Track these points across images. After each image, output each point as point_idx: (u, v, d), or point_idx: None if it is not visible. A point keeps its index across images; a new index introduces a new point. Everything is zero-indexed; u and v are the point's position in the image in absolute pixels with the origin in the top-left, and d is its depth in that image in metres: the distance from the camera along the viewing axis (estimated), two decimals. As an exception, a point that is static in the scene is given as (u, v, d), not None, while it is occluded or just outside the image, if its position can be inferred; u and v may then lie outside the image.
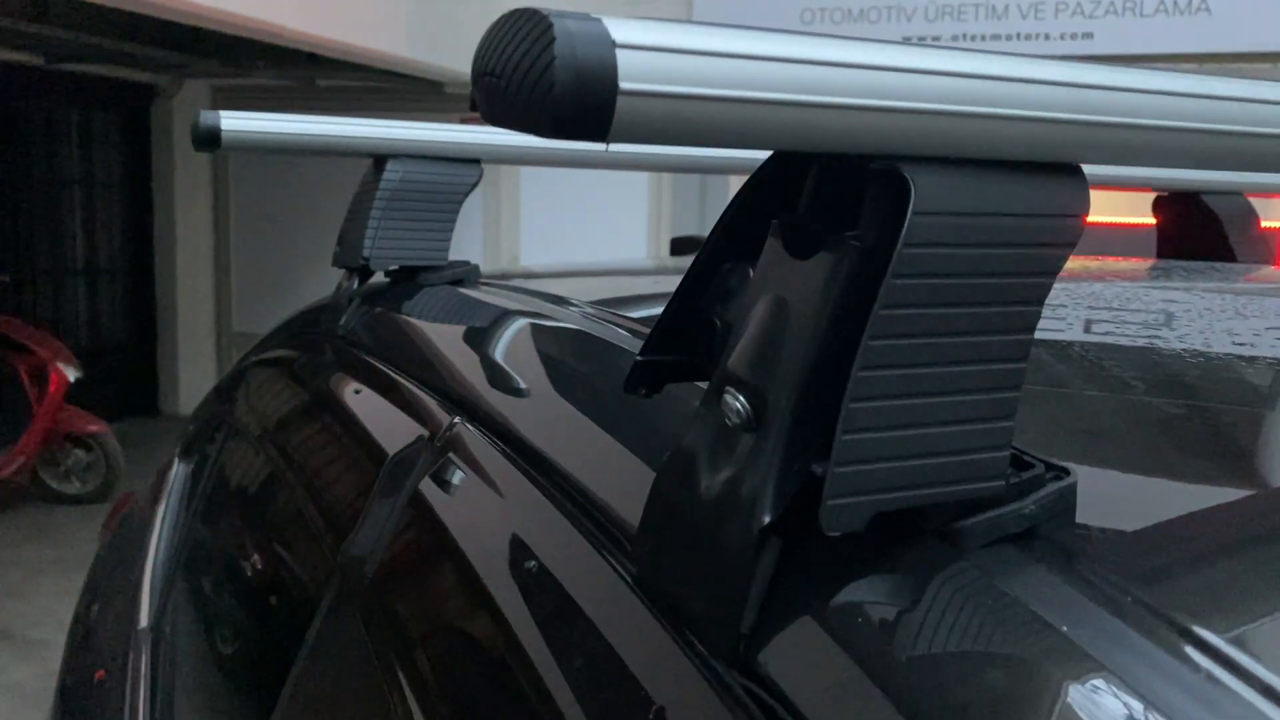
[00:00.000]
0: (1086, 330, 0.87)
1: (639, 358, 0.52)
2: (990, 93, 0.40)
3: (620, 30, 0.35)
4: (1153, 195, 1.78)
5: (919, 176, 0.40)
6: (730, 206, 0.50)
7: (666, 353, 0.53)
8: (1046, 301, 0.44)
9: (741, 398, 0.44)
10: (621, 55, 0.34)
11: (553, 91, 0.33)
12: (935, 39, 6.22)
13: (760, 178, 0.48)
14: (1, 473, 5.39)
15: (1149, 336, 0.82)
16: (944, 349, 0.41)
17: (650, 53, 0.35)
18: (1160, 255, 1.78)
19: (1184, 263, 1.43)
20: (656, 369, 0.53)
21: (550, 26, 0.34)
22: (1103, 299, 1.02)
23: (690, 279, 0.51)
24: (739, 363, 0.45)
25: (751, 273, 0.48)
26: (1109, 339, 0.82)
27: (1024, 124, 0.41)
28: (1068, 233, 0.43)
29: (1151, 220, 1.81)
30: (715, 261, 0.51)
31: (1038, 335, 0.44)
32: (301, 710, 0.81)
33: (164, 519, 1.62)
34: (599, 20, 0.35)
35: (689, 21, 0.37)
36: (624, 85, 0.34)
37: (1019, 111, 0.41)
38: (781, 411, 0.42)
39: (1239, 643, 0.37)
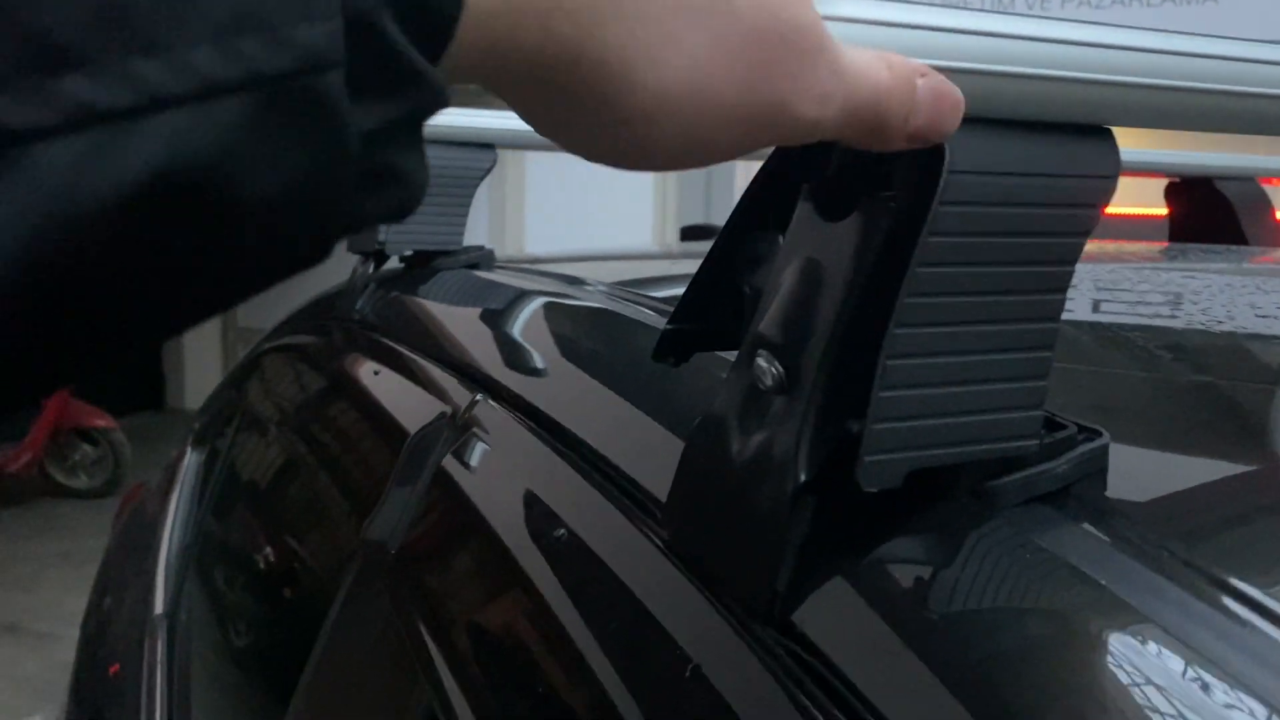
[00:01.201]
0: (1098, 310, 0.87)
1: (668, 326, 0.53)
2: (1024, 53, 0.40)
3: None
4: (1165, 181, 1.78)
5: (954, 136, 0.40)
6: (758, 175, 0.50)
7: (694, 322, 0.53)
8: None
9: (774, 360, 0.44)
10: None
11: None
12: (940, 31, 6.21)
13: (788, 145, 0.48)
14: (9, 467, 5.41)
15: (1176, 311, 0.82)
16: (978, 307, 0.41)
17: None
18: (1173, 241, 1.78)
19: (1200, 245, 1.43)
20: (684, 338, 0.54)
21: None
22: (1131, 279, 1.02)
23: (719, 247, 0.52)
24: (770, 326, 0.45)
25: (781, 240, 0.49)
26: (1135, 317, 0.82)
27: (1056, 84, 0.41)
28: (1099, 194, 0.44)
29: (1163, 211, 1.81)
30: (744, 230, 0.52)
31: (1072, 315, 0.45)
32: (327, 690, 0.81)
33: (177, 508, 1.63)
34: None
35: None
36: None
37: (1052, 72, 0.41)
38: (815, 372, 0.42)
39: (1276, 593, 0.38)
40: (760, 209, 0.51)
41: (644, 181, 6.22)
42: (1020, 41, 0.40)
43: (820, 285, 0.44)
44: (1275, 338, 0.73)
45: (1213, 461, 0.54)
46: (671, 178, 6.23)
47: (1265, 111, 0.47)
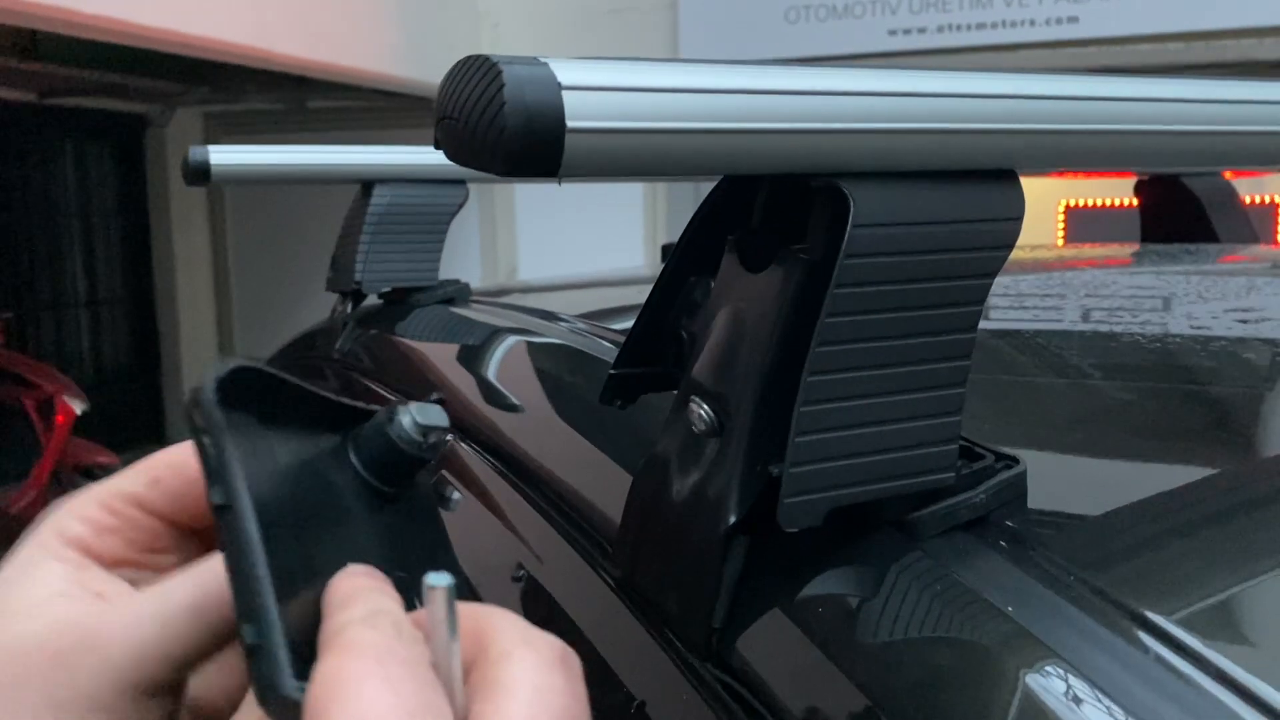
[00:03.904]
0: (1027, 320, 0.89)
1: (613, 371, 0.55)
2: (919, 109, 0.43)
3: (566, 72, 0.37)
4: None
5: (857, 191, 0.42)
6: (690, 224, 0.53)
7: (639, 365, 0.56)
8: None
9: (705, 405, 0.46)
10: (568, 96, 0.37)
11: (504, 134, 0.36)
12: (921, 31, 6.23)
13: (715, 197, 0.50)
14: (14, 507, 5.43)
15: (1106, 323, 0.85)
16: (889, 351, 0.44)
17: (595, 92, 0.37)
18: (1145, 238, 1.80)
19: (1161, 247, 1.45)
20: (631, 381, 0.56)
21: (500, 73, 0.36)
22: (1057, 287, 1.04)
23: (656, 294, 0.54)
24: (702, 372, 0.48)
25: (713, 286, 0.51)
26: (1061, 327, 0.84)
27: (954, 136, 0.44)
28: (1004, 236, 0.46)
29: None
30: (679, 276, 0.54)
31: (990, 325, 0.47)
32: None
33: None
34: (546, 64, 0.38)
35: (631, 59, 0.40)
36: (571, 124, 0.37)
37: (948, 125, 0.43)
38: (742, 417, 0.45)
39: (1181, 622, 0.40)
40: (695, 256, 0.53)
41: (634, 202, 6.25)
42: (915, 99, 0.43)
43: (744, 334, 0.46)
44: (1205, 348, 0.75)
45: (1134, 476, 0.57)
46: (661, 198, 6.26)
47: (1163, 147, 0.49)
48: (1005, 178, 0.46)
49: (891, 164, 0.43)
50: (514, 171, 0.37)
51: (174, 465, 0.40)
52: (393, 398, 0.98)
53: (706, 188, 0.48)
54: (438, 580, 0.31)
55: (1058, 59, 6.05)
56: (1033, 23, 6.14)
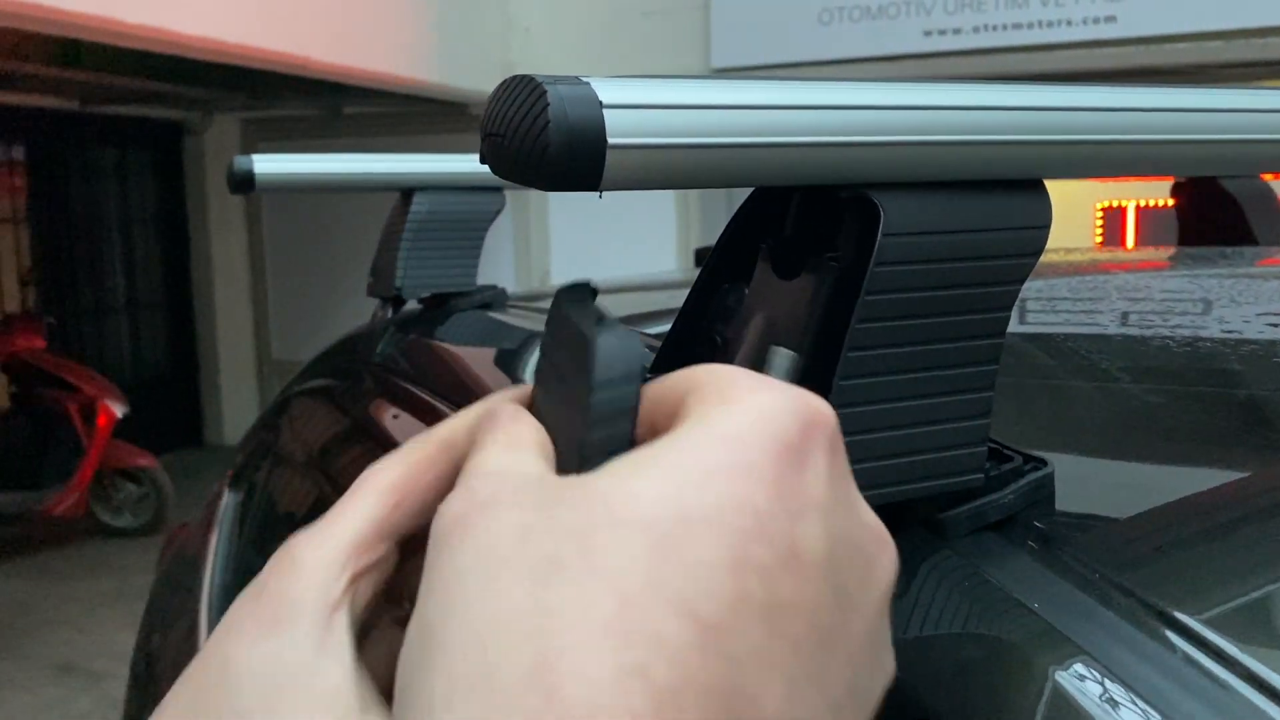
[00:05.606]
0: (1056, 324, 0.90)
1: (648, 375, 0.57)
2: (946, 121, 0.44)
3: (607, 91, 0.39)
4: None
5: (887, 201, 0.44)
6: (725, 232, 0.54)
7: (675, 368, 0.57)
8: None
9: (740, 409, 0.48)
10: (609, 114, 0.38)
11: (548, 151, 0.38)
12: (956, 31, 6.21)
13: (749, 206, 0.52)
14: (56, 509, 5.53)
15: (1134, 326, 0.85)
16: (919, 356, 0.45)
17: (635, 110, 0.39)
18: (1182, 241, 1.79)
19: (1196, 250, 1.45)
20: (666, 385, 0.57)
21: (544, 93, 0.38)
22: (1081, 292, 1.05)
23: (691, 300, 0.56)
24: (737, 377, 0.49)
25: (746, 292, 0.53)
26: (1092, 330, 0.85)
27: (981, 148, 0.45)
28: (1031, 243, 0.47)
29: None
30: (714, 282, 0.56)
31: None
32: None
33: (217, 547, 1.68)
34: (588, 84, 0.39)
35: (667, 77, 0.41)
36: (612, 141, 0.38)
37: (975, 137, 0.45)
38: (776, 421, 0.46)
39: (1209, 622, 0.41)
40: (729, 262, 0.55)
41: (666, 206, 6.27)
42: (943, 111, 0.44)
43: (777, 339, 0.47)
44: (1235, 351, 0.76)
45: (1161, 478, 0.58)
46: (694, 203, 6.27)
47: (1188, 155, 0.50)
48: (1032, 186, 0.48)
49: (920, 175, 0.45)
50: (558, 186, 0.39)
51: (405, 484, 0.35)
52: (433, 402, 1.00)
53: (739, 194, 0.50)
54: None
55: (1095, 59, 6.00)
56: (1069, 22, 6.10)
